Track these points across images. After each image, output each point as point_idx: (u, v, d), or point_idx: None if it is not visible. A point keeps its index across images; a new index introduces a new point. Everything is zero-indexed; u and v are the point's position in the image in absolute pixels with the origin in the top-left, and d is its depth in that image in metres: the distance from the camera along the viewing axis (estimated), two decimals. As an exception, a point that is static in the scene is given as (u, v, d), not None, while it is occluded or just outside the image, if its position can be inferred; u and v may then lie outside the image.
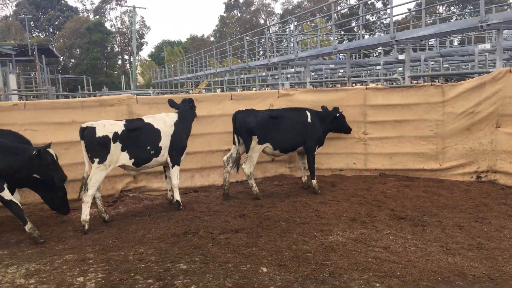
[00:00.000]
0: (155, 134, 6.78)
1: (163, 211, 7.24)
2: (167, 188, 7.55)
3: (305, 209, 6.92)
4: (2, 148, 5.72)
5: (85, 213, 6.23)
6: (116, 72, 72.85)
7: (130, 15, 70.31)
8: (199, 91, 28.86)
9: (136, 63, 62.02)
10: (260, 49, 28.35)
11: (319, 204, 7.14)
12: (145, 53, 76.01)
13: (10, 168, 5.67)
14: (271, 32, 33.69)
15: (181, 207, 7.13)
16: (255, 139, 7.45)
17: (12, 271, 4.92)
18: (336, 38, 31.54)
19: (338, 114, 8.03)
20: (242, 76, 29.69)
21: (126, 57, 77.84)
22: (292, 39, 17.67)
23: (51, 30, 74.24)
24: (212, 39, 76.18)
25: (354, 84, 12.32)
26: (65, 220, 6.93)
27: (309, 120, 7.85)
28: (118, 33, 75.59)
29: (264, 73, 30.11)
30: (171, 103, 7.34)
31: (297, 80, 25.33)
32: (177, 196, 7.16)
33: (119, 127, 6.48)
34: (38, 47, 22.94)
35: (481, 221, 6.08)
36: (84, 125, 6.35)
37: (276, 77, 29.98)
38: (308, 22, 43.88)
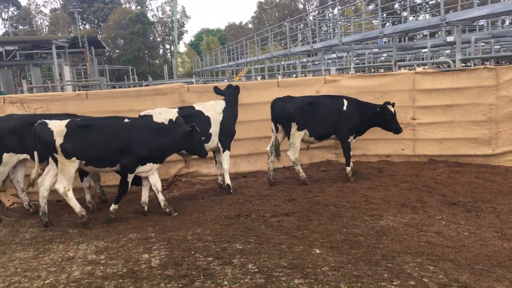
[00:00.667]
0: (206, 121, 7.08)
1: (215, 195, 7.54)
2: (218, 173, 7.84)
3: (354, 194, 7.00)
4: (161, 129, 6.45)
5: (145, 196, 6.63)
6: (157, 61, 74.55)
7: (171, 4, 71.56)
8: (239, 79, 29.14)
9: (177, 53, 63.15)
10: (300, 35, 28.16)
11: (367, 190, 7.19)
12: (186, 41, 76.91)
13: (171, 145, 6.46)
14: (311, 17, 33.17)
15: (231, 191, 7.41)
16: (294, 126, 7.58)
17: (83, 248, 5.38)
18: (381, 21, 30.74)
19: (379, 109, 7.67)
20: (282, 62, 29.65)
21: (168, 46, 79.39)
22: (336, 24, 17.39)
23: (96, 21, 76.87)
24: (250, 26, 76.07)
25: (400, 69, 12.08)
26: (125, 202, 7.38)
27: (344, 108, 7.77)
28: (160, 22, 77.04)
29: (304, 59, 29.92)
30: (216, 90, 7.58)
31: (339, 66, 25.07)
32: (228, 180, 7.44)
33: (174, 114, 6.80)
34: (88, 39, 23.98)
35: (538, 207, 5.94)
36: (142, 113, 6.72)
37: (317, 63, 29.77)
38: (350, 7, 42.81)
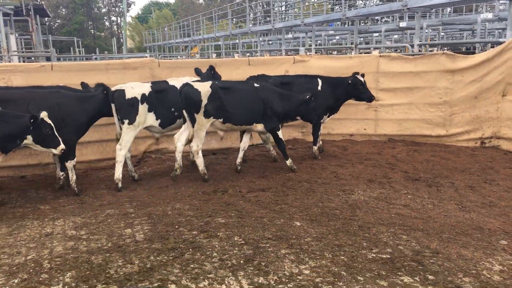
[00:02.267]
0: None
1: (187, 171, 7.55)
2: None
3: (323, 171, 7.31)
4: (285, 94, 7.11)
5: (118, 172, 6.53)
6: (103, 34, 71.11)
7: (118, -27, 68.17)
8: (194, 56, 28.64)
9: (126, 26, 60.55)
10: (259, 13, 28.02)
11: (335, 167, 7.53)
12: (132, 14, 73.74)
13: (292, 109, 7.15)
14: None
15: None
16: None
17: (60, 224, 5.26)
18: (335, 5, 31.34)
19: (350, 81, 7.81)
20: (237, 41, 29.38)
21: (113, 18, 75.86)
22: (299, 4, 17.51)
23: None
24: (201, 1, 74.28)
25: (360, 51, 12.50)
26: (96, 179, 7.23)
27: (319, 87, 7.95)
28: (106, -8, 73.30)
29: (260, 39, 29.91)
30: (197, 71, 7.56)
31: (293, 46, 25.33)
32: None
33: (146, 88, 6.69)
34: (33, 6, 22.43)
35: (490, 182, 6.56)
36: (113, 88, 6.54)
37: (270, 42, 29.85)
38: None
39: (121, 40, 62.33)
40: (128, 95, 6.57)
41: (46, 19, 45.92)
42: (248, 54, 25.17)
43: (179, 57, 27.66)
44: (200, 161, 6.86)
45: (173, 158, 8.40)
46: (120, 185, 6.53)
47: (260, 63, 8.82)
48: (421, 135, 9.12)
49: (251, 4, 28.69)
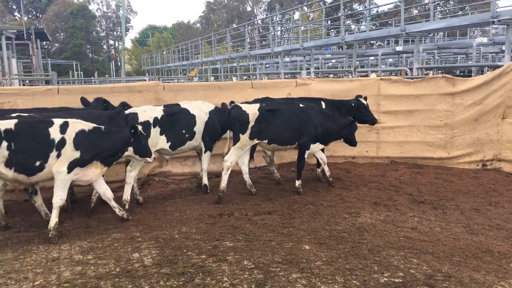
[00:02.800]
0: (191, 118, 7.11)
1: (192, 194, 7.55)
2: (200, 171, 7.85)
3: (328, 193, 7.32)
4: (328, 115, 7.33)
5: (127, 193, 6.54)
6: (101, 58, 71.71)
7: (117, -1, 69.35)
8: (192, 78, 28.90)
9: (124, 49, 61.22)
10: (256, 38, 28.49)
11: (340, 189, 7.54)
12: (130, 38, 74.49)
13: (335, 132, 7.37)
14: (258, 21, 33.68)
15: (208, 190, 7.45)
16: None
17: (67, 248, 5.20)
18: (330, 29, 31.92)
19: (353, 104, 7.92)
20: (233, 64, 29.65)
21: (111, 42, 76.68)
22: (297, 29, 17.84)
23: (34, 12, 72.50)
24: (198, 25, 75.42)
25: (358, 75, 12.69)
26: (101, 203, 7.17)
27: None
28: (104, 17, 74.25)
29: (256, 62, 30.21)
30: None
31: (290, 70, 25.67)
32: (205, 180, 7.48)
33: (158, 112, 6.79)
34: (34, 31, 22.66)
35: (495, 205, 6.58)
36: (127, 112, 6.66)
37: (267, 66, 30.23)
38: (306, 12, 43.88)
39: (119, 63, 62.94)
40: (141, 118, 6.67)
41: (44, 43, 46.30)
42: (245, 77, 25.48)
43: (176, 80, 27.93)
44: (225, 178, 6.95)
45: (177, 180, 8.43)
46: (127, 206, 6.49)
47: (263, 86, 8.93)
48: (423, 157, 9.19)
49: (250, 28, 29.19)
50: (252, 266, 4.59)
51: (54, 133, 5.45)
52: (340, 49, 26.06)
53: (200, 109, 7.23)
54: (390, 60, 26.52)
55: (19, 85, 16.54)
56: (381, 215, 6.18)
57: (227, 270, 4.50)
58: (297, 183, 7.33)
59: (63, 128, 5.51)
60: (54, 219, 5.47)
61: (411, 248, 5.01)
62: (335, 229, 5.65)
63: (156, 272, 4.50)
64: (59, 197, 5.46)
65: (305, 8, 43.12)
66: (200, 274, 4.42)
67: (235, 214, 6.31)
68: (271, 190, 7.60)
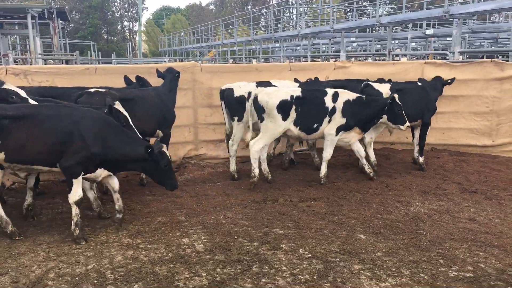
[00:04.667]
0: None
1: (230, 178, 7.32)
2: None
3: (371, 180, 7.04)
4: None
5: (233, 165, 7.19)
6: (115, 38, 71.41)
7: (132, -22, 68.66)
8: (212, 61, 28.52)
9: (141, 30, 60.85)
10: (282, 19, 27.82)
11: (383, 177, 7.25)
12: (144, 19, 73.85)
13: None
14: (283, 1, 32.95)
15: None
16: None
17: (113, 231, 5.07)
18: (347, 12, 31.02)
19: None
20: (251, 47, 29.05)
21: (126, 23, 76.26)
22: (326, 10, 17.31)
23: (50, -10, 72.22)
24: (212, 7, 74.43)
25: (394, 58, 12.23)
26: (135, 183, 7.02)
27: None
28: (118, -3, 73.65)
29: (277, 44, 29.60)
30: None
31: (314, 53, 25.10)
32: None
33: (252, 87, 6.93)
34: (56, 10, 22.48)
35: (552, 195, 6.25)
36: (223, 87, 7.04)
37: (276, 50, 29.52)
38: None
39: (133, 44, 62.55)
40: (236, 93, 6.88)
41: (61, 23, 46.01)
42: (262, 60, 24.94)
43: (201, 61, 27.67)
44: (371, 152, 7.30)
45: (212, 164, 8.24)
46: (235, 176, 7.08)
47: (301, 68, 8.60)
48: (465, 144, 8.81)
49: (275, 10, 28.56)
50: (309, 256, 4.39)
51: (328, 101, 6.54)
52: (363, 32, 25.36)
53: (288, 87, 7.15)
54: (413, 44, 25.76)
55: (43, 64, 16.42)
56: (433, 205, 5.91)
57: (284, 259, 4.31)
58: (421, 159, 7.63)
59: (335, 97, 6.58)
60: (323, 169, 6.92)
61: (474, 240, 4.75)
62: (388, 218, 5.41)
63: (210, 258, 4.33)
64: (328, 153, 6.74)
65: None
66: (257, 262, 4.25)
67: (279, 200, 6.11)
68: (311, 175, 7.35)
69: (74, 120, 4.68)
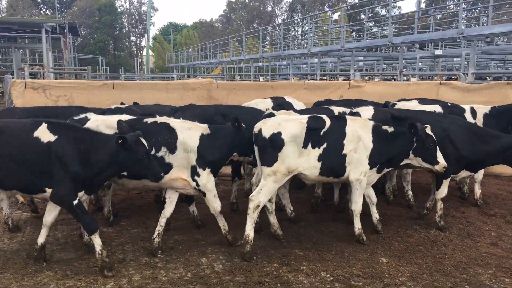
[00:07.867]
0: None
1: (245, 196, 7.24)
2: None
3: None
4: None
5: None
6: (122, 54, 72.24)
7: (140, -5, 69.84)
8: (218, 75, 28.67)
9: (149, 46, 61.62)
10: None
11: (401, 199, 7.16)
12: (151, 35, 74.83)
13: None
14: (295, 20, 33.32)
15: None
16: None
17: (130, 249, 5.00)
18: (352, 32, 31.26)
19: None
20: (258, 64, 29.16)
21: (133, 38, 77.25)
22: (335, 30, 17.47)
23: (59, 7, 73.40)
24: (218, 24, 75.26)
25: (404, 78, 12.25)
26: (149, 199, 6.97)
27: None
28: (126, 13, 74.81)
29: (277, 63, 29.62)
30: None
31: (321, 71, 25.25)
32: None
33: (269, 104, 7.02)
34: (68, 25, 22.86)
35: None
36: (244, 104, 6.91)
37: (283, 67, 29.67)
38: (341, 13, 43.22)
39: (140, 60, 63.04)
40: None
41: (72, 38, 46.39)
42: (268, 77, 25.03)
43: (200, 78, 27.83)
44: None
45: (226, 182, 8.17)
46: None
47: (315, 87, 8.61)
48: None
49: (281, 29, 28.85)
50: (331, 279, 4.30)
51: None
52: (367, 52, 25.46)
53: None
54: (420, 64, 25.86)
55: (54, 78, 16.55)
56: (454, 228, 5.80)
57: (305, 282, 4.23)
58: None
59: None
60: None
61: (499, 266, 4.65)
62: (409, 241, 5.31)
63: (230, 279, 4.25)
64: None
65: (339, 9, 42.54)
66: (279, 284, 4.16)
67: (296, 220, 6.02)
68: (325, 195, 7.26)
69: None
